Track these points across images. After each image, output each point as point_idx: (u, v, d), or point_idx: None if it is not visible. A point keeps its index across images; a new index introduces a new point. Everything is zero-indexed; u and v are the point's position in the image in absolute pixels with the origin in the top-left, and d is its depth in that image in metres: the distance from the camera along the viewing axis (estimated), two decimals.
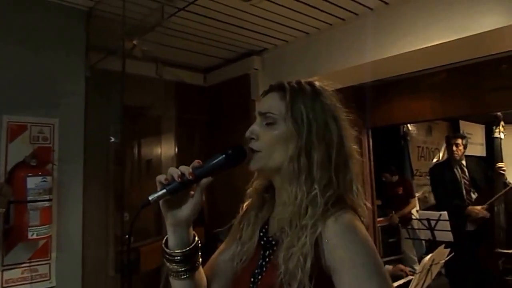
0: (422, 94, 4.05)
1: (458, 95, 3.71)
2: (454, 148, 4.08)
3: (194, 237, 1.00)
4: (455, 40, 2.22)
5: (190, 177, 0.93)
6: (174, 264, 0.97)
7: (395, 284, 2.89)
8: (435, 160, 6.08)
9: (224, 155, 0.95)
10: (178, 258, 0.97)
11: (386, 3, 2.47)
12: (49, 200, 2.22)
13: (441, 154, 6.11)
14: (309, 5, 2.46)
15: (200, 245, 1.00)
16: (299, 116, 0.96)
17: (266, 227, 1.02)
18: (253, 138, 0.99)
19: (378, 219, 4.74)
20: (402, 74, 3.42)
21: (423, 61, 2.70)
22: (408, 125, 5.60)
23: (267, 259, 0.97)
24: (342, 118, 1.03)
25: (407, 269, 2.93)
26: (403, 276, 2.94)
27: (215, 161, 0.95)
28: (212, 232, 2.78)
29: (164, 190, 0.92)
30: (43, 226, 2.17)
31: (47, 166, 2.28)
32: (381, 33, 2.52)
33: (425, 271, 2.55)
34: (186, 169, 0.94)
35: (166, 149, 3.33)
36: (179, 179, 0.92)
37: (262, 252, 0.99)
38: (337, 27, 2.77)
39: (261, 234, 1.01)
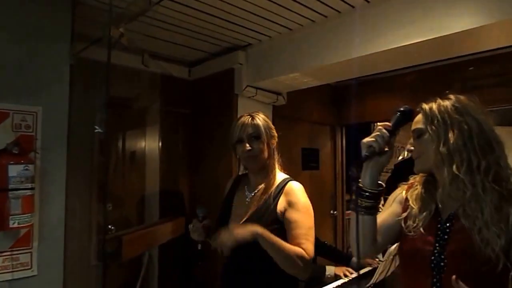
0: (393, 94, 4.10)
1: (428, 95, 3.76)
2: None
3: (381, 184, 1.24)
4: (432, 39, 2.22)
5: (388, 135, 1.21)
6: (366, 200, 1.20)
7: (361, 271, 2.94)
8: (400, 157, 6.19)
9: (399, 113, 1.26)
10: (370, 194, 1.20)
11: (367, 1, 2.45)
12: (31, 188, 2.09)
13: (405, 153, 6.22)
14: (293, 0, 2.41)
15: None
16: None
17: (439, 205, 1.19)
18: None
19: (347, 212, 4.78)
20: (378, 73, 3.44)
21: (400, 60, 2.71)
22: (378, 123, 5.67)
23: (449, 229, 1.14)
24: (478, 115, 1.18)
25: (375, 261, 2.97)
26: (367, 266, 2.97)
27: (396, 119, 1.25)
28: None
29: (374, 148, 1.21)
30: (25, 215, 2.05)
31: (30, 154, 2.14)
32: (362, 31, 2.51)
33: (390, 259, 2.59)
34: (384, 132, 1.21)
35: (150, 141, 3.21)
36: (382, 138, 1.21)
37: (439, 221, 1.16)
38: (320, 24, 2.74)
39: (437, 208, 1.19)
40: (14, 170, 2.01)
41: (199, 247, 1.63)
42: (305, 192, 1.62)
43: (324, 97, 4.35)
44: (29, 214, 2.07)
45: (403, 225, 1.23)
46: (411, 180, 1.35)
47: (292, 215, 1.53)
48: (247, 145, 1.61)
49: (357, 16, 2.55)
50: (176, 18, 2.62)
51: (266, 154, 1.63)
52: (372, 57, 2.52)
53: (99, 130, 2.48)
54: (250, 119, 1.64)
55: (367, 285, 2.26)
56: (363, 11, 2.51)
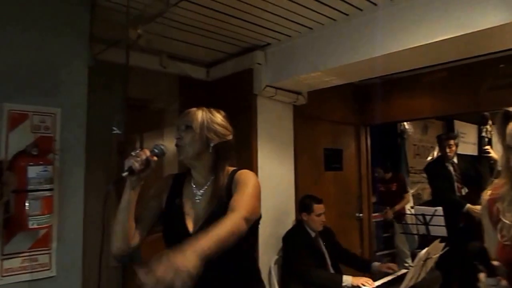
0: (420, 92, 4.01)
1: (457, 93, 3.65)
2: (447, 149, 4.08)
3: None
4: (457, 36, 2.15)
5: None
6: None
7: (385, 279, 2.86)
8: (429, 158, 6.04)
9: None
10: None
11: None
12: (50, 189, 2.11)
13: (435, 153, 6.06)
14: None
15: None
16: None
17: None
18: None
19: (374, 214, 4.73)
20: (404, 72, 3.35)
21: (426, 57, 2.62)
22: (405, 123, 5.56)
23: None
24: None
25: (395, 266, 2.88)
26: (389, 273, 2.88)
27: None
28: None
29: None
30: (43, 216, 2.07)
31: (49, 155, 2.17)
32: (384, 29, 2.45)
33: (420, 265, 2.53)
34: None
35: (168, 142, 3.22)
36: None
37: None
38: (341, 22, 2.68)
39: None
40: (33, 171, 2.04)
41: (125, 174, 1.38)
42: (255, 177, 1.52)
43: (347, 96, 4.27)
44: (48, 215, 2.09)
45: (498, 235, 1.26)
46: (492, 189, 1.34)
47: (237, 189, 1.45)
48: (177, 133, 1.53)
49: (380, 14, 2.48)
50: (193, 19, 2.61)
51: (196, 147, 1.49)
52: (396, 55, 2.45)
53: (117, 132, 2.51)
54: (194, 110, 1.55)
55: None
56: (386, 9, 2.45)
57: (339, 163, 4.21)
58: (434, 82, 3.77)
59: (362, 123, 4.49)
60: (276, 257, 3.24)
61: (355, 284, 2.74)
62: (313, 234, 3.13)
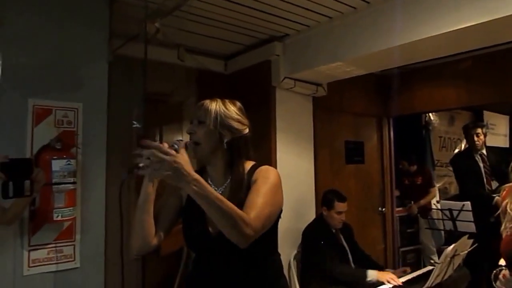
0: (445, 82, 3.97)
1: (484, 83, 3.61)
2: (475, 138, 3.98)
3: None
4: (484, 22, 2.11)
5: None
6: None
7: (410, 276, 2.84)
8: (456, 150, 5.96)
9: None
10: None
11: None
12: (73, 183, 2.23)
13: (462, 145, 5.98)
14: None
15: None
16: None
17: None
18: None
19: (397, 209, 4.70)
20: (428, 61, 3.33)
21: (450, 45, 2.60)
22: (430, 114, 5.50)
23: None
24: None
25: (396, 279, 2.76)
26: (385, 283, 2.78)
27: None
28: None
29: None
30: (67, 208, 2.20)
31: (71, 149, 2.29)
32: (407, 16, 2.43)
33: (447, 261, 2.50)
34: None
35: (187, 136, 3.32)
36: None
37: None
38: (361, 10, 2.69)
39: None
40: (57, 165, 2.17)
41: (142, 165, 1.21)
42: (278, 174, 1.48)
43: (369, 87, 4.27)
44: (72, 208, 2.22)
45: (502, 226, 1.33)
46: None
47: (255, 185, 1.40)
48: (190, 127, 1.49)
49: (401, 1, 2.48)
50: (211, 11, 2.68)
51: (210, 144, 1.45)
52: (419, 43, 2.44)
53: (137, 125, 2.62)
54: (207, 103, 1.49)
55: None
56: None
57: (360, 156, 4.22)
58: (459, 71, 3.74)
59: (385, 115, 4.48)
60: (295, 252, 3.29)
61: (380, 279, 2.74)
62: (333, 229, 3.15)
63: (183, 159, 1.22)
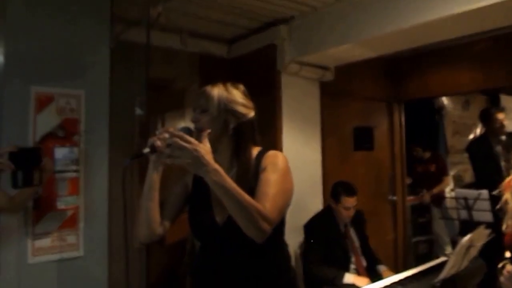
0: (460, 65, 3.96)
1: (501, 65, 3.59)
2: (496, 124, 3.98)
3: None
4: (503, 1, 2.08)
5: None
6: None
7: (421, 268, 2.89)
8: (471, 136, 5.97)
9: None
10: None
11: None
12: (76, 171, 2.34)
13: (477, 130, 5.98)
14: None
15: None
16: None
17: None
18: None
19: (408, 198, 4.73)
20: (441, 42, 3.32)
21: (466, 26, 2.59)
22: (443, 98, 5.50)
23: None
24: None
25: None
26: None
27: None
28: None
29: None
30: (71, 196, 2.31)
31: (74, 137, 2.39)
32: None
33: (462, 253, 2.50)
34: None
35: (189, 122, 3.39)
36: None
37: None
38: None
39: None
40: (60, 152, 2.28)
41: (147, 150, 1.35)
42: (286, 160, 1.51)
43: (378, 71, 4.27)
44: (75, 196, 2.34)
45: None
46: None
47: (265, 174, 1.42)
48: (193, 116, 1.51)
49: None
50: None
51: (215, 131, 1.46)
52: (436, 23, 2.41)
53: (140, 112, 2.71)
54: (209, 89, 1.50)
55: (435, 280, 2.22)
56: None
57: (369, 142, 4.23)
58: (475, 53, 3.74)
59: (395, 99, 4.48)
60: (299, 246, 3.30)
61: (356, 284, 2.79)
62: (341, 222, 3.11)
63: (204, 148, 1.27)
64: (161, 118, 3.30)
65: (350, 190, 3.04)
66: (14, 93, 2.24)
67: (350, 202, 3.02)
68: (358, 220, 3.22)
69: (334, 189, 3.12)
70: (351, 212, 3.06)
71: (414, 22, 2.46)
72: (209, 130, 1.40)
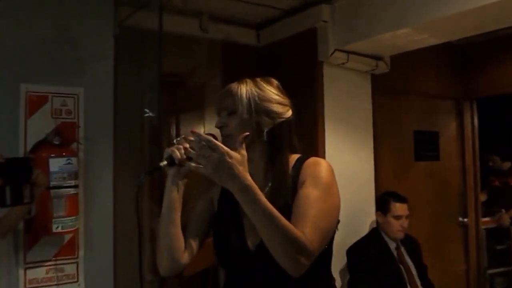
0: None
1: None
2: None
3: None
4: None
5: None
6: None
7: None
8: None
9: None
10: None
11: None
12: (75, 186, 2.32)
13: None
14: None
15: None
16: None
17: None
18: None
19: (483, 219, 4.65)
20: None
21: None
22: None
23: None
24: None
25: None
26: None
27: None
28: None
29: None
30: (69, 218, 2.29)
31: (72, 145, 2.38)
32: None
33: None
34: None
35: (211, 125, 3.37)
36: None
37: None
38: None
39: None
40: (55, 164, 2.26)
41: (164, 164, 1.36)
42: (330, 169, 1.48)
43: (444, 61, 4.23)
44: (74, 217, 2.31)
45: None
46: None
47: (304, 190, 1.39)
48: (218, 120, 1.50)
49: None
50: None
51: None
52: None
53: (150, 114, 2.69)
54: (235, 86, 1.49)
55: None
56: None
57: (434, 151, 4.19)
58: None
59: (466, 97, 4.43)
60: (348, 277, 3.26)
61: None
62: (392, 245, 3.11)
63: (236, 157, 1.25)
64: (176, 121, 3.28)
65: (399, 196, 3.15)
66: (1, 93, 2.25)
67: (401, 209, 3.09)
68: (411, 245, 3.24)
69: (381, 198, 3.25)
70: (405, 223, 3.10)
71: (487, 1, 2.38)
72: (247, 133, 1.36)
